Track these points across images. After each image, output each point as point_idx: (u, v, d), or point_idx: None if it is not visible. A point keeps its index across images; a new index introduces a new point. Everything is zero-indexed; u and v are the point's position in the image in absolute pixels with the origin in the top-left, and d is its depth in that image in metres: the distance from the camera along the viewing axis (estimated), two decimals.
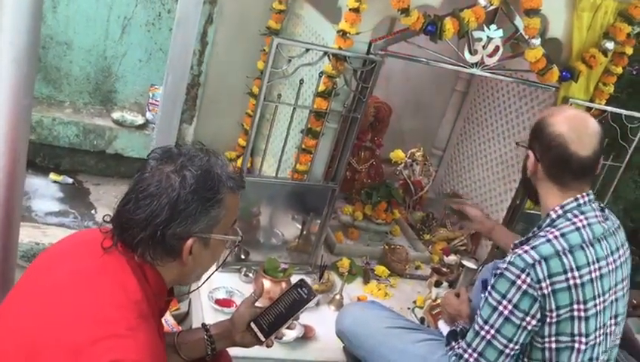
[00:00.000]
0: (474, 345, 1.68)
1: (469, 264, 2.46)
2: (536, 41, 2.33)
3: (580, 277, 1.61)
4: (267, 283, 2.33)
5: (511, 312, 1.62)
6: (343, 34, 2.20)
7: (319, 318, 2.37)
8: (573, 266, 1.61)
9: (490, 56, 2.34)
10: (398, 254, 2.90)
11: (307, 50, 2.19)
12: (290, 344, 2.20)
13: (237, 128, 3.22)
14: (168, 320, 2.30)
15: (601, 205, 1.78)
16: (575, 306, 1.62)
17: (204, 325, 1.55)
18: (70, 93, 3.06)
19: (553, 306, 1.60)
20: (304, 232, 2.66)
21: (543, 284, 1.59)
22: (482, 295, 1.74)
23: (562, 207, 1.70)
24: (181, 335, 1.52)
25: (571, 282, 1.61)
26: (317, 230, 2.62)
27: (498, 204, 3.10)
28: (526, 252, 1.62)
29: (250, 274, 2.50)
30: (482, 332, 1.67)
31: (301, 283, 1.58)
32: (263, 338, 1.51)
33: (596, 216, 1.71)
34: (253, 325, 1.52)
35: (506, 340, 1.63)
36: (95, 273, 1.18)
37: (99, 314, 1.10)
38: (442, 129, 3.61)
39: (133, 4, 2.94)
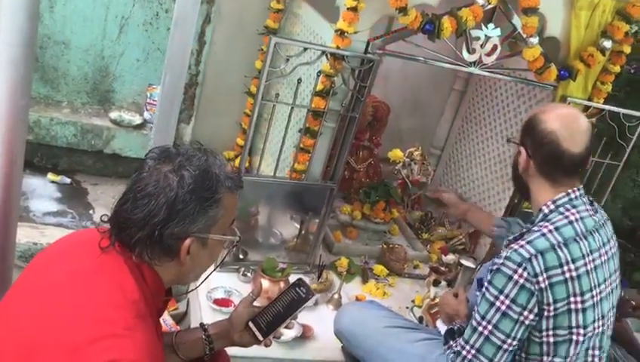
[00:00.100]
0: (472, 341, 1.69)
1: (468, 263, 2.46)
2: (534, 40, 2.33)
3: (576, 269, 1.64)
4: (265, 283, 2.33)
5: (508, 307, 1.63)
6: (340, 33, 2.19)
7: (318, 318, 2.36)
8: (569, 259, 1.63)
9: (488, 55, 2.34)
10: (396, 253, 2.90)
11: (305, 49, 2.19)
12: (288, 343, 2.20)
13: (235, 128, 3.22)
14: (167, 320, 2.30)
15: (590, 199, 1.80)
16: (572, 299, 1.63)
17: (202, 325, 1.55)
18: (68, 93, 3.06)
19: (550, 299, 1.61)
20: (302, 232, 2.66)
21: (540, 278, 1.60)
22: (477, 293, 1.75)
23: (554, 201, 1.73)
24: (179, 335, 1.52)
25: (567, 275, 1.62)
26: (315, 229, 2.62)
27: (496, 203, 3.10)
28: (522, 246, 1.64)
29: (249, 274, 2.50)
30: (480, 328, 1.67)
31: (299, 283, 1.57)
32: (261, 338, 1.51)
33: (587, 210, 1.73)
34: (251, 324, 1.52)
35: (504, 335, 1.64)
36: (93, 273, 1.17)
37: (96, 313, 1.10)
38: (440, 128, 3.61)
39: (131, 3, 2.93)
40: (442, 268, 2.76)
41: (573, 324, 1.65)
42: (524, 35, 2.32)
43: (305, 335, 2.25)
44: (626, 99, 3.30)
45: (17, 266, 1.68)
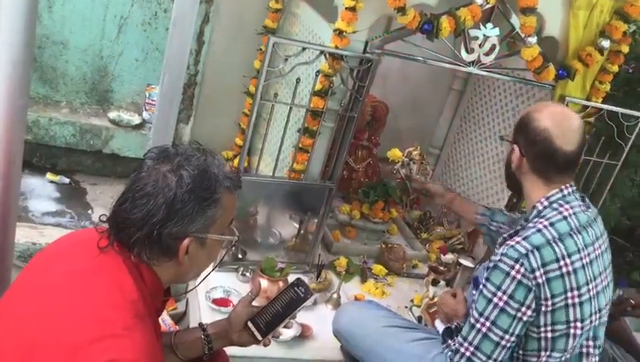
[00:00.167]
0: (470, 338, 1.70)
1: (466, 262, 2.46)
2: (533, 40, 2.34)
3: (572, 263, 1.66)
4: (264, 283, 2.33)
5: (506, 303, 1.64)
6: (339, 33, 2.20)
7: (316, 317, 2.37)
8: (565, 254, 1.65)
9: (487, 54, 2.35)
10: (395, 253, 2.90)
11: (304, 49, 2.19)
12: (287, 343, 2.20)
13: (234, 127, 3.22)
14: (166, 320, 2.30)
15: (582, 195, 1.82)
16: (569, 294, 1.65)
17: (201, 324, 1.55)
18: (66, 93, 3.06)
19: (548, 294, 1.63)
20: (301, 231, 2.66)
21: (537, 273, 1.62)
22: (473, 291, 1.76)
23: (547, 198, 1.75)
24: (178, 335, 1.52)
25: (564, 270, 1.64)
26: (314, 229, 2.62)
27: (495, 202, 3.11)
28: (518, 243, 1.65)
29: (248, 274, 2.50)
30: (478, 325, 1.68)
31: (298, 282, 1.58)
32: (260, 338, 1.51)
33: (580, 206, 1.76)
34: (250, 324, 1.52)
35: (502, 332, 1.65)
36: (91, 273, 1.17)
37: (95, 313, 1.10)
38: (439, 128, 3.61)
39: (130, 3, 2.93)
40: (441, 268, 2.76)
41: (571, 319, 1.67)
42: (523, 35, 2.32)
43: (304, 334, 2.25)
44: (624, 98, 3.31)
45: (16, 266, 1.68)
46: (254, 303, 1.58)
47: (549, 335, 1.67)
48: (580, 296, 1.66)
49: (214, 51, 3.11)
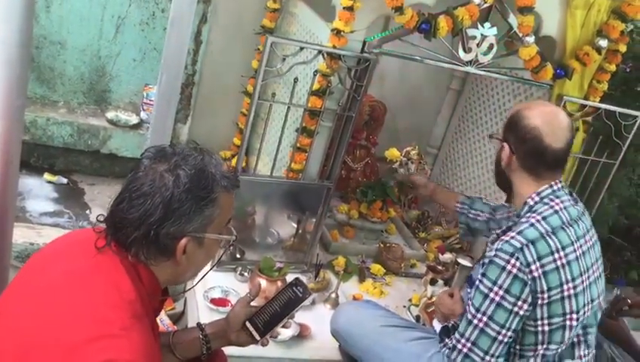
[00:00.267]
0: (467, 334, 1.71)
1: (465, 262, 2.46)
2: (530, 39, 2.34)
3: (566, 256, 1.68)
4: (263, 282, 2.33)
5: (502, 298, 1.65)
6: (337, 32, 2.20)
7: (315, 317, 2.37)
8: (559, 246, 1.68)
9: (485, 54, 2.35)
10: (393, 252, 2.90)
11: (301, 48, 2.19)
12: (285, 343, 2.20)
13: (232, 127, 3.22)
14: (164, 320, 2.30)
15: (569, 190, 1.85)
16: (565, 286, 1.67)
17: (199, 324, 1.55)
18: (64, 93, 3.05)
19: (545, 287, 1.65)
20: (299, 231, 2.66)
21: (533, 267, 1.64)
22: (468, 290, 1.78)
23: (538, 193, 1.77)
24: (176, 335, 1.52)
25: (559, 262, 1.67)
26: (312, 229, 2.62)
27: (493, 201, 3.10)
28: (513, 238, 1.68)
29: (246, 274, 2.50)
30: (475, 321, 1.70)
31: (296, 282, 1.58)
32: (258, 338, 1.51)
33: (569, 200, 1.79)
34: (248, 324, 1.52)
35: (499, 326, 1.67)
36: (89, 273, 1.17)
37: (93, 314, 1.10)
38: (437, 127, 3.61)
39: (127, 3, 2.93)
40: (439, 267, 2.76)
41: (567, 310, 1.69)
42: (520, 34, 2.33)
43: (302, 334, 2.25)
44: (621, 97, 3.31)
45: (14, 266, 1.68)
46: (253, 303, 1.58)
47: (546, 328, 1.69)
48: (574, 287, 1.69)
49: (212, 51, 3.10)
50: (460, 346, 1.72)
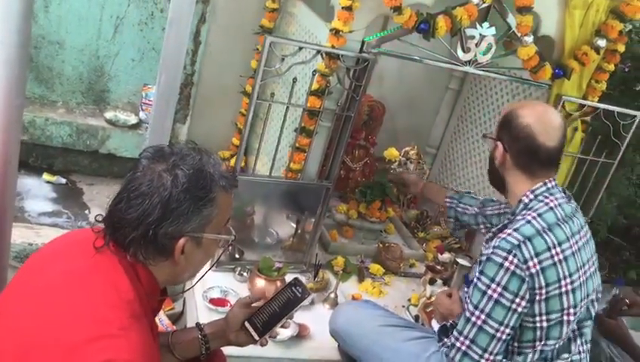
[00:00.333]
0: (465, 332, 1.72)
1: (463, 261, 2.47)
2: (529, 39, 2.34)
3: (563, 252, 1.70)
4: (262, 282, 2.33)
5: (500, 295, 1.66)
6: (335, 32, 2.20)
7: (314, 317, 2.37)
8: (555, 242, 1.69)
9: (483, 53, 2.35)
10: (392, 252, 2.90)
11: (300, 48, 2.19)
12: (284, 342, 2.20)
13: (231, 127, 3.22)
14: (163, 320, 2.30)
15: (563, 188, 1.87)
16: (562, 282, 1.69)
17: (198, 324, 1.55)
18: (63, 93, 3.05)
19: (542, 283, 1.66)
20: (298, 231, 2.66)
21: (530, 263, 1.65)
22: (465, 290, 1.78)
23: (533, 191, 1.79)
24: (175, 335, 1.52)
25: (556, 258, 1.68)
26: (311, 229, 2.62)
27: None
28: (509, 234, 1.69)
29: (245, 274, 2.50)
30: (473, 319, 1.70)
31: (295, 282, 1.57)
32: (257, 338, 1.51)
33: (563, 198, 1.81)
34: (247, 324, 1.52)
35: (497, 324, 1.67)
36: (87, 273, 1.17)
37: (91, 314, 1.10)
38: (436, 127, 3.61)
39: (126, 3, 2.93)
40: (438, 267, 2.76)
41: (565, 306, 1.70)
42: (519, 34, 2.33)
43: (301, 334, 2.25)
44: (620, 97, 3.31)
45: (12, 267, 1.68)
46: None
47: (545, 324, 1.70)
48: (572, 282, 1.71)
49: (211, 51, 3.10)
50: (458, 344, 1.72)
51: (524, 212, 1.76)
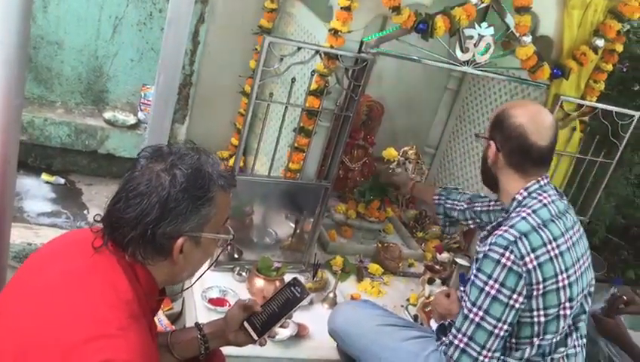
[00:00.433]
0: (463, 329, 1.72)
1: (462, 261, 2.47)
2: (527, 39, 2.35)
3: (558, 247, 1.71)
4: (261, 282, 2.34)
5: (498, 291, 1.67)
6: (334, 32, 2.20)
7: (313, 316, 2.37)
8: (551, 238, 1.71)
9: (482, 53, 2.35)
10: (391, 252, 2.91)
11: (299, 48, 2.19)
12: (283, 342, 2.20)
13: (229, 127, 3.22)
14: (162, 320, 2.30)
15: (554, 186, 1.89)
16: (560, 276, 1.70)
17: (197, 324, 1.55)
18: (62, 93, 3.05)
19: (540, 278, 1.67)
20: (297, 231, 2.66)
21: (527, 259, 1.66)
22: (461, 288, 1.79)
23: (526, 189, 1.81)
24: (174, 335, 1.52)
25: (552, 253, 1.70)
26: (310, 228, 2.62)
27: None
28: (505, 231, 1.70)
29: (244, 273, 2.50)
30: (471, 315, 1.71)
31: (294, 282, 1.58)
32: (256, 337, 1.51)
33: (555, 195, 1.83)
34: (246, 324, 1.52)
35: (495, 320, 1.68)
36: (86, 273, 1.17)
37: (90, 314, 1.10)
38: (434, 127, 3.62)
39: (125, 3, 2.93)
40: (437, 267, 2.76)
41: (562, 300, 1.72)
42: (517, 34, 2.33)
43: (300, 334, 2.25)
44: (618, 97, 3.32)
45: (11, 267, 1.68)
46: None
47: (542, 319, 1.71)
48: (568, 277, 1.72)
49: (210, 51, 3.10)
50: (456, 341, 1.73)
51: (518, 209, 1.78)
